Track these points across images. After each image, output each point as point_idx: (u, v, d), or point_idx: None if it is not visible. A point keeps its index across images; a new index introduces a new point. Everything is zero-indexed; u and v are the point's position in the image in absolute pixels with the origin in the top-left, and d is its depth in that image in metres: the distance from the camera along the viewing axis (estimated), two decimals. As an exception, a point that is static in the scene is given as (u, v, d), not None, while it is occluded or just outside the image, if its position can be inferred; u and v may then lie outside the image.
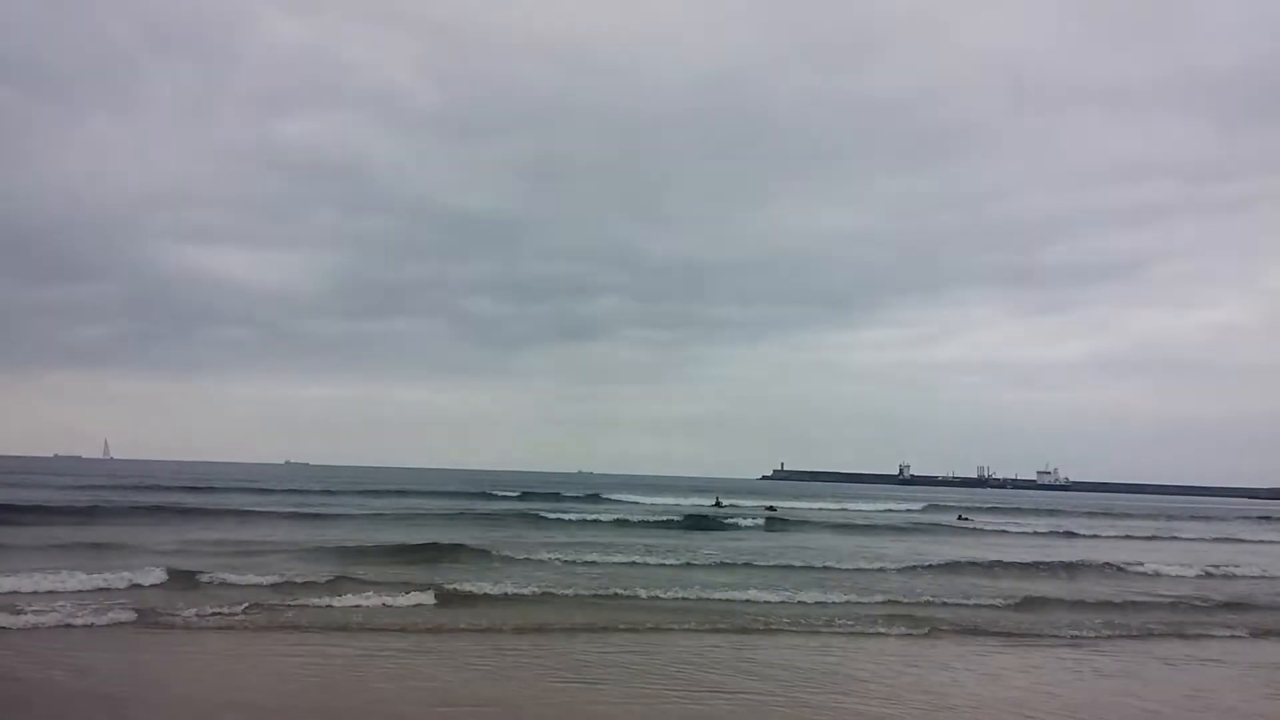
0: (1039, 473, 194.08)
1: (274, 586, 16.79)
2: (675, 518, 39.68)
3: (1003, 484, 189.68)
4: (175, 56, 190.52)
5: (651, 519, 39.16)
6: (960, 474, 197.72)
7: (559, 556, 23.04)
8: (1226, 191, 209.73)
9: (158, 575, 16.94)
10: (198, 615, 14.08)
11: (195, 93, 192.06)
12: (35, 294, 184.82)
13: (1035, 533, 41.83)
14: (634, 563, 22.77)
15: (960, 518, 53.71)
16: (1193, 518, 63.77)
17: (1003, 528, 44.05)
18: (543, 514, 40.01)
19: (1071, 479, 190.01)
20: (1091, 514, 62.94)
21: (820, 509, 59.07)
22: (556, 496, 60.51)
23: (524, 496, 59.47)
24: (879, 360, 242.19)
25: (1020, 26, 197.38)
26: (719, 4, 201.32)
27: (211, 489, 54.95)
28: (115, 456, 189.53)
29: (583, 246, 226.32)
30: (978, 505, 71.23)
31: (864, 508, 62.51)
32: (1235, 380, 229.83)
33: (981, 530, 42.65)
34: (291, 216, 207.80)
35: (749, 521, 39.82)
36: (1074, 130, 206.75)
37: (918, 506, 64.72)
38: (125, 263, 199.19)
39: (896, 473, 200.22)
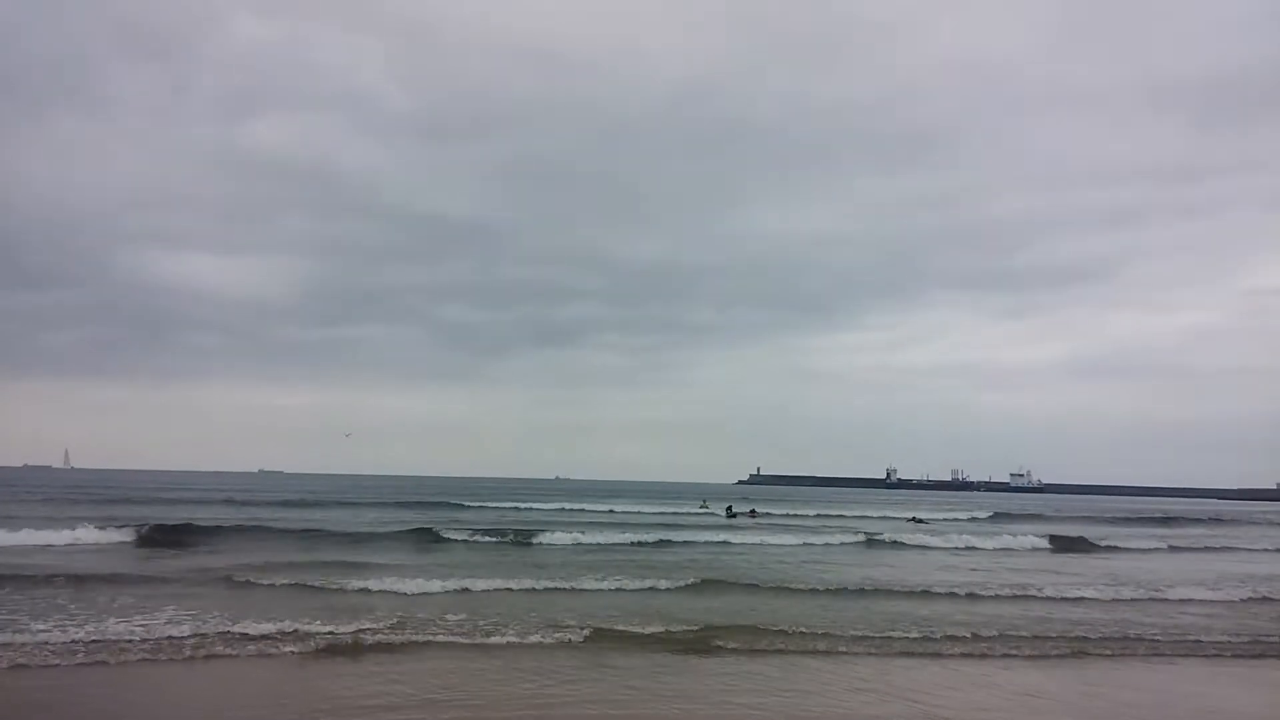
0: (1012, 475, 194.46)
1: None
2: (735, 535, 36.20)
3: (976, 487, 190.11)
4: (143, 58, 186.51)
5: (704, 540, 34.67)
6: (935, 477, 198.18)
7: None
8: (1200, 194, 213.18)
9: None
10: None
11: (163, 95, 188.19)
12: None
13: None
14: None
15: (914, 519, 53.04)
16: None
17: (1118, 543, 39.08)
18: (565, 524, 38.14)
19: (1044, 481, 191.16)
20: (1130, 520, 60.90)
21: (891, 519, 54.63)
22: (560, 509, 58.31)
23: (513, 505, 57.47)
24: (855, 364, 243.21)
25: (996, 30, 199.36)
26: (696, 6, 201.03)
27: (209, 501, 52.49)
28: (76, 466, 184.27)
29: (559, 251, 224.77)
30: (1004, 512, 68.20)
31: (936, 515, 57.85)
32: (1209, 382, 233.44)
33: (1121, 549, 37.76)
34: (261, 221, 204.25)
35: (840, 539, 36.70)
36: (1049, 133, 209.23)
37: (982, 515, 60.75)
38: (92, 268, 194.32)
39: (883, 477, 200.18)
